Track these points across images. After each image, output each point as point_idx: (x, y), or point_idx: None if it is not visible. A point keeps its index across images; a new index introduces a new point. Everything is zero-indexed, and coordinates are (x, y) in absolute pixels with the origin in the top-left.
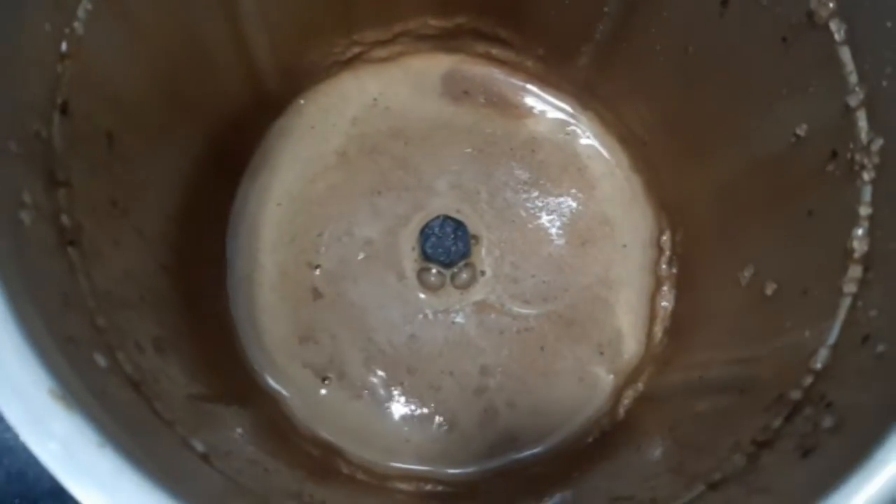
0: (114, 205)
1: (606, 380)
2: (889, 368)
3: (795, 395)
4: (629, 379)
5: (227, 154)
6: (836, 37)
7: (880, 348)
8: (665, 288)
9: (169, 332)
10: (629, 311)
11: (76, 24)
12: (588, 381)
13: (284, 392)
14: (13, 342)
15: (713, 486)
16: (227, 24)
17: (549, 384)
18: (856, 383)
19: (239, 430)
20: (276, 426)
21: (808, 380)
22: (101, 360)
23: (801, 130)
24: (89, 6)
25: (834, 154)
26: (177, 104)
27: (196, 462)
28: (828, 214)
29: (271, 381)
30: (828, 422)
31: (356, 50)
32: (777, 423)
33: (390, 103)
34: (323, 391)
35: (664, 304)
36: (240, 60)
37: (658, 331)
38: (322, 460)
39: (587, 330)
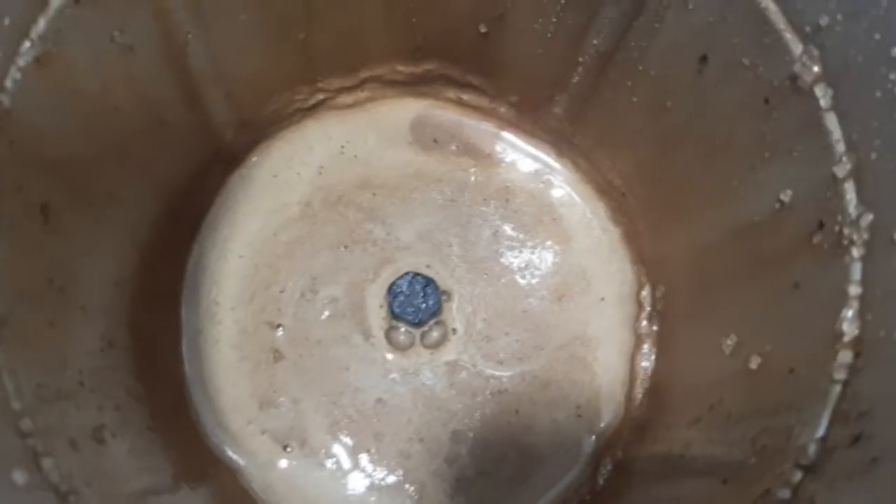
0: (49, 283)
1: (586, 444)
2: (884, 478)
3: (784, 493)
4: (608, 443)
5: (182, 208)
6: (822, 103)
7: (873, 453)
8: (646, 346)
9: (112, 416)
10: (608, 371)
11: (2, 97)
12: (566, 445)
13: (242, 462)
14: None
15: None
16: (178, 81)
17: (524, 450)
18: (848, 488)
19: None
20: (237, 503)
21: (797, 476)
22: (19, 478)
23: (786, 196)
24: (18, 76)
25: (821, 225)
26: (125, 165)
27: None
28: (815, 289)
29: (228, 451)
30: None
31: (320, 97)
32: None
33: (357, 151)
34: (283, 461)
35: (644, 364)
36: (194, 115)
37: (638, 392)
38: None
39: (564, 391)
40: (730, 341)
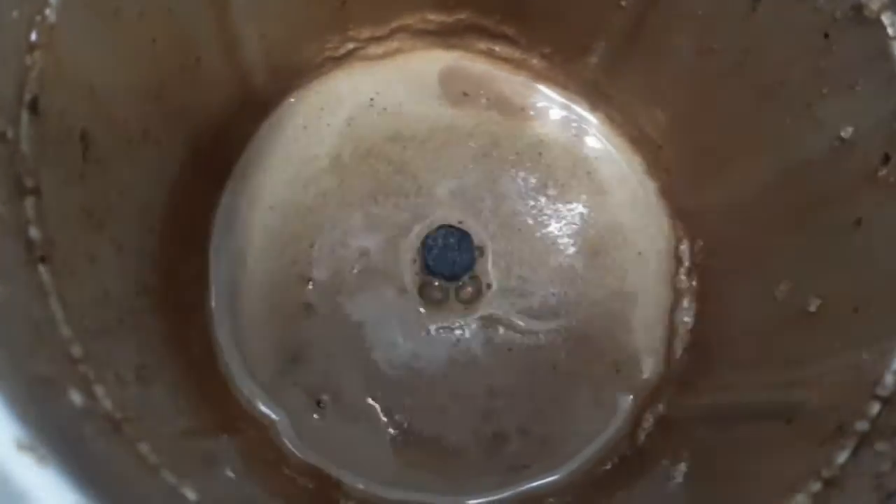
0: (89, 216)
1: (624, 401)
2: None
3: (861, 425)
4: (648, 400)
5: (212, 156)
6: (890, 31)
7: None
8: (685, 302)
9: (151, 358)
10: (647, 327)
11: (48, 11)
12: (604, 402)
13: (275, 417)
14: None
15: None
16: (215, 14)
17: (562, 407)
18: None
19: (229, 467)
20: (268, 457)
21: (875, 408)
22: (76, 399)
23: (846, 133)
24: None
25: (887, 158)
26: (160, 102)
27: None
28: (880, 224)
29: (261, 405)
30: None
31: (350, 46)
32: (843, 457)
33: (387, 104)
34: (317, 416)
35: (685, 319)
36: (228, 55)
37: (678, 348)
38: (319, 493)
39: (602, 347)
40: (783, 287)
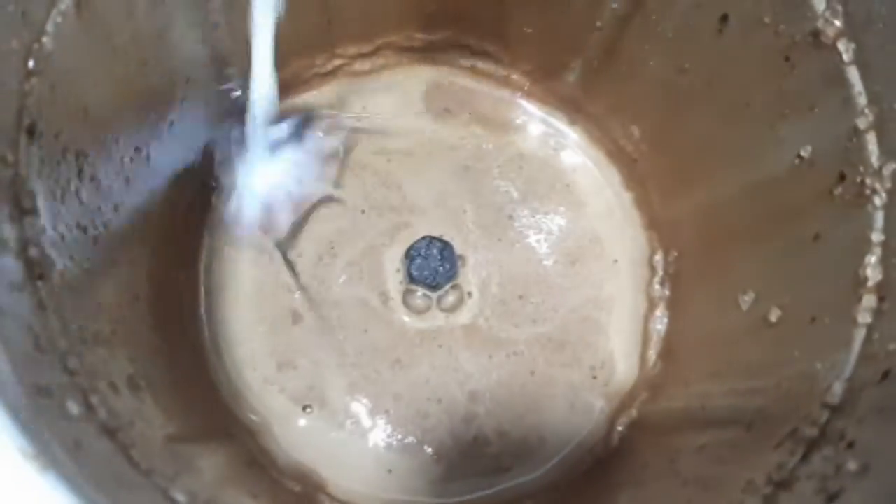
0: (84, 232)
1: (599, 405)
2: None
3: (811, 431)
4: (623, 404)
5: (203, 167)
6: (844, 57)
7: None
8: (659, 310)
9: (142, 367)
10: (621, 333)
11: (45, 39)
12: (580, 406)
13: (262, 422)
14: None
15: None
16: (203, 36)
17: (540, 410)
18: (879, 422)
19: (217, 471)
20: (255, 461)
21: (824, 416)
22: (73, 408)
23: (806, 152)
24: (59, 19)
25: (842, 177)
26: (151, 121)
27: None
28: (836, 239)
29: (248, 411)
30: (852, 464)
31: (337, 62)
32: (792, 462)
33: (373, 118)
34: (303, 421)
35: (658, 326)
36: (217, 74)
37: (652, 354)
38: (304, 496)
39: (578, 353)
40: (747, 297)
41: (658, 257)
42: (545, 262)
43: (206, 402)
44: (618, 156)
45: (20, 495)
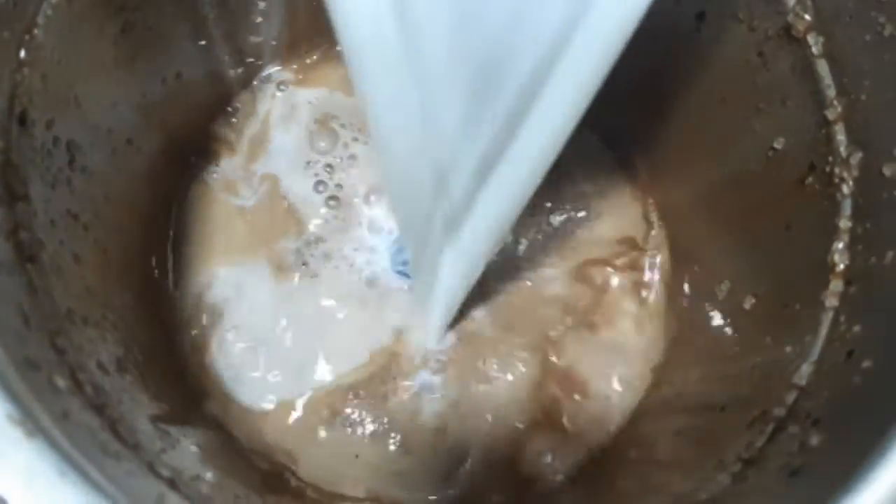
0: (75, 219)
1: None
2: (876, 384)
3: (779, 411)
4: None
5: (194, 162)
6: (814, 50)
7: (866, 364)
8: None
9: (130, 349)
10: None
11: (36, 31)
12: None
13: (235, 403)
14: None
15: None
16: (191, 29)
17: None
18: (842, 400)
19: (195, 450)
20: (229, 442)
21: (792, 396)
22: (61, 383)
23: (779, 144)
24: (50, 11)
25: (812, 167)
26: (142, 113)
27: (162, 488)
28: (806, 228)
29: (222, 392)
30: (815, 440)
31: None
32: (761, 441)
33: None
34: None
35: None
36: (207, 71)
37: None
38: (273, 476)
39: None
40: (724, 287)
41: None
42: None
43: (186, 385)
44: (613, 143)
45: (7, 459)
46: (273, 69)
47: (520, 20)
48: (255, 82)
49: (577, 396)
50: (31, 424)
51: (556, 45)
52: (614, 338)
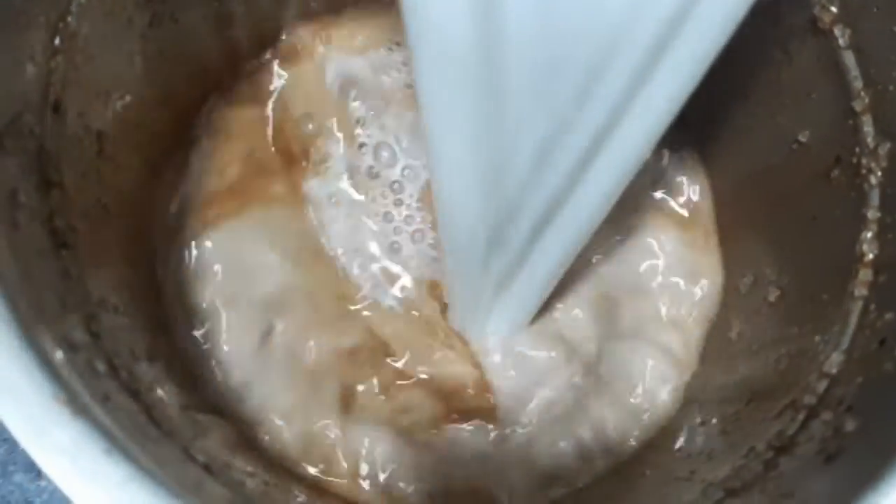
0: (104, 209)
1: None
2: None
3: (809, 399)
4: None
5: None
6: (840, 42)
7: None
8: None
9: (157, 342)
10: None
11: (69, 18)
12: None
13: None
14: (14, 345)
15: (732, 493)
16: (215, 27)
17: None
18: (877, 387)
19: (226, 441)
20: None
21: (823, 384)
22: (100, 366)
23: (804, 137)
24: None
25: (838, 159)
26: (168, 107)
27: (199, 473)
28: (832, 219)
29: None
30: (850, 425)
31: None
32: (792, 428)
33: None
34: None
35: None
36: (230, 64)
37: None
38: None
39: None
40: (746, 280)
41: None
42: None
43: (205, 376)
44: None
45: (54, 438)
46: None
47: (620, 28)
48: None
49: None
50: (76, 405)
51: (647, 63)
52: None
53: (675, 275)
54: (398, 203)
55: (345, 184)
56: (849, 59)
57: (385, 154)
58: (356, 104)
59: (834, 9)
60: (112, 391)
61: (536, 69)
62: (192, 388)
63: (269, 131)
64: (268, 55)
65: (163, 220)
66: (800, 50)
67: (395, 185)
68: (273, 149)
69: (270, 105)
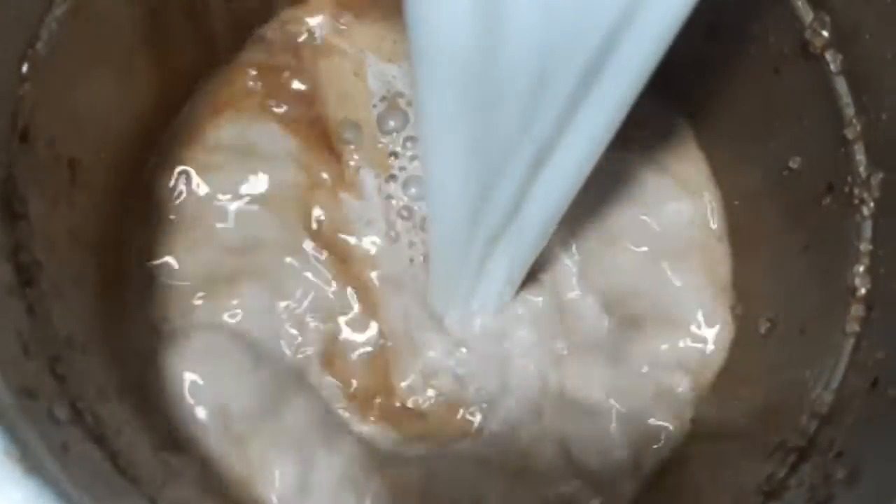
0: (76, 239)
1: None
2: None
3: (799, 441)
4: None
5: None
6: (832, 67)
7: (892, 392)
8: None
9: (130, 376)
10: None
11: (39, 45)
12: None
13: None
14: None
15: None
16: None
17: None
18: (868, 430)
19: (199, 483)
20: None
21: (813, 425)
22: (61, 413)
23: (794, 163)
24: (54, 25)
25: (830, 187)
26: (144, 132)
27: None
28: (825, 250)
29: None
30: (840, 472)
31: None
32: (782, 471)
33: None
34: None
35: None
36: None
37: None
38: None
39: None
40: (737, 310)
41: None
42: None
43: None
44: None
45: (6, 496)
46: None
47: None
48: None
49: None
50: (29, 461)
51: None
52: None
53: None
54: None
55: None
56: (840, 85)
57: None
58: None
59: (825, 33)
60: (73, 440)
61: (533, 67)
62: (159, 420)
63: None
64: None
65: (135, 245)
66: (790, 72)
67: None
68: None
69: None
